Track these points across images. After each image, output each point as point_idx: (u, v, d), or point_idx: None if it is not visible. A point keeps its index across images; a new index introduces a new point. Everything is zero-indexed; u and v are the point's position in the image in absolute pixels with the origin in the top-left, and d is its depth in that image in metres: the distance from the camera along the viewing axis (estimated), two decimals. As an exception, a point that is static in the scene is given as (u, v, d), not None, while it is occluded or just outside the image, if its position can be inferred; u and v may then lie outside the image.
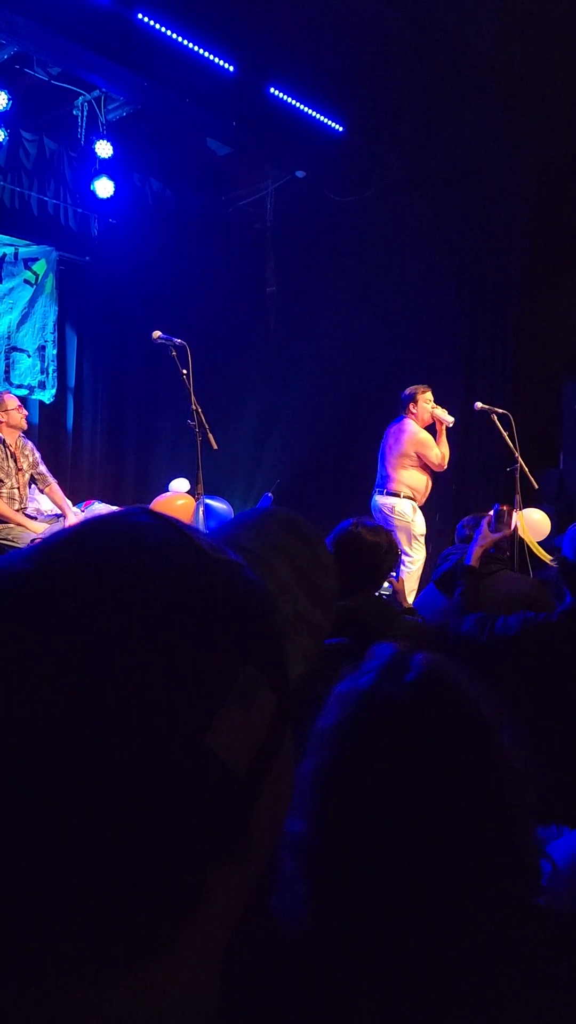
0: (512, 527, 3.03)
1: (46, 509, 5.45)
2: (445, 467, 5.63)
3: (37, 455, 5.39)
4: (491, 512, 2.86)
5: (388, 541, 2.59)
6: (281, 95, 6.17)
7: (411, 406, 5.65)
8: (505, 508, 2.89)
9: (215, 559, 0.43)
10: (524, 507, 5.66)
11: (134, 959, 0.38)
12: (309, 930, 0.75)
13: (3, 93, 5.78)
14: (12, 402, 5.24)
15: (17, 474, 5.20)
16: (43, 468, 5.40)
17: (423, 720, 0.77)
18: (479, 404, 5.61)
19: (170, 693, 0.38)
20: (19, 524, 5.03)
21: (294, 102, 6.26)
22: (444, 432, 5.64)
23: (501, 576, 2.90)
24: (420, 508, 5.60)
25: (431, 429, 5.67)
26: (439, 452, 5.57)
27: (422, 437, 5.55)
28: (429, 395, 5.66)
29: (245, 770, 0.40)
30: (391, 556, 2.60)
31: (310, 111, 6.38)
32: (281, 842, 0.73)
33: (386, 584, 3.38)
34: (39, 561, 0.40)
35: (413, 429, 5.56)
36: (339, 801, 0.76)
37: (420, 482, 5.55)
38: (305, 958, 0.74)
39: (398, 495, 5.53)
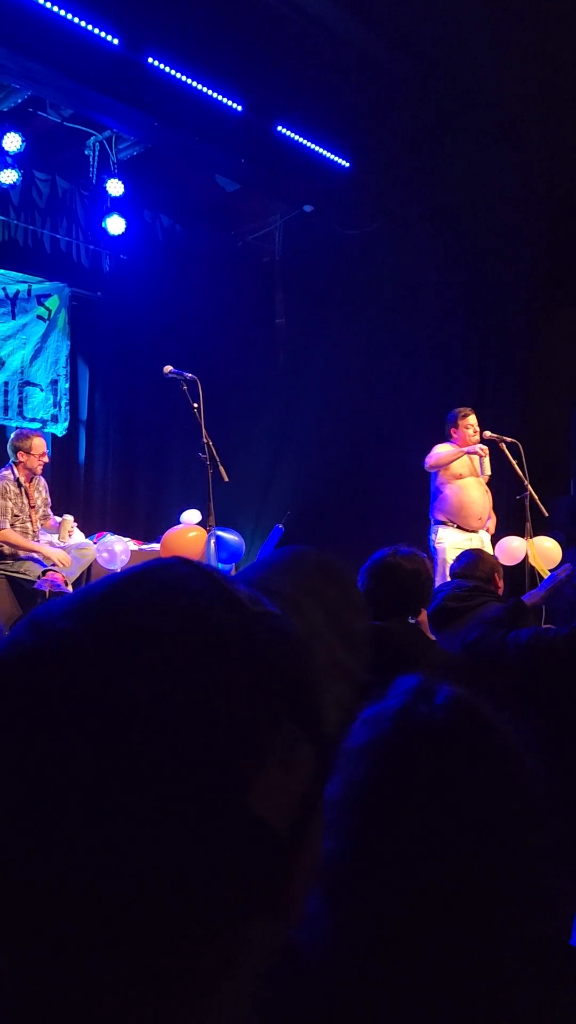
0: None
1: (58, 543, 5.48)
2: (432, 466, 5.48)
3: (47, 495, 5.44)
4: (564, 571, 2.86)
5: (425, 569, 2.61)
6: (288, 132, 6.28)
7: (451, 430, 5.59)
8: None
9: (254, 612, 0.43)
10: (534, 535, 5.66)
11: (172, 1015, 0.38)
12: (332, 962, 0.75)
13: (17, 135, 5.91)
14: (40, 447, 5.28)
15: (31, 511, 5.24)
16: (48, 510, 5.44)
17: (460, 739, 0.77)
18: (488, 433, 5.62)
19: (212, 755, 0.38)
20: (33, 550, 5.05)
21: (301, 139, 6.37)
22: (483, 460, 5.51)
23: (487, 607, 2.90)
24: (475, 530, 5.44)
25: (494, 449, 5.58)
26: (440, 453, 5.43)
27: (435, 451, 5.49)
28: (470, 419, 5.55)
29: (286, 828, 0.40)
30: (429, 583, 2.62)
31: (317, 147, 6.49)
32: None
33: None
34: (81, 619, 0.40)
35: (436, 448, 5.51)
36: (372, 819, 0.74)
37: (453, 503, 5.43)
38: (327, 991, 0.73)
39: (432, 522, 5.49)
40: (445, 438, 5.67)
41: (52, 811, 0.36)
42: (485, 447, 5.46)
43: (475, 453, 5.44)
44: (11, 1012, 0.38)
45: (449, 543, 5.32)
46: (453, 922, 0.71)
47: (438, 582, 5.28)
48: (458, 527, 5.41)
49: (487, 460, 5.54)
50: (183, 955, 0.37)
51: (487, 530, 5.56)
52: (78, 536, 5.51)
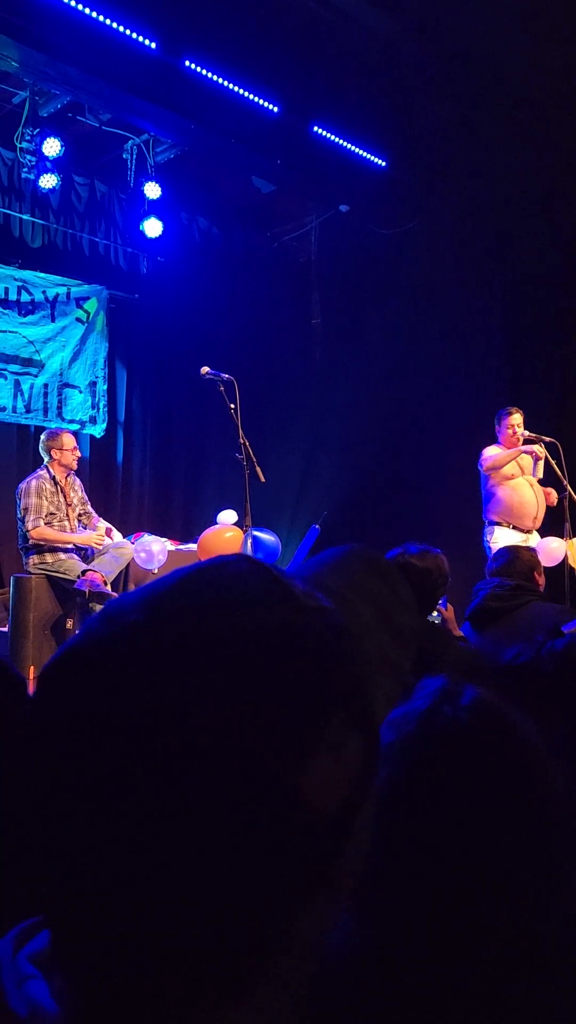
0: None
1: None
2: (488, 468, 5.43)
3: (83, 493, 5.50)
4: None
5: (437, 566, 2.59)
6: (324, 132, 6.28)
7: (498, 428, 5.56)
8: None
9: (309, 607, 0.46)
10: (574, 536, 5.58)
11: (227, 994, 0.40)
12: (357, 966, 0.75)
13: (57, 140, 5.99)
14: (70, 442, 5.36)
15: (67, 508, 5.31)
16: (89, 507, 5.51)
17: (486, 740, 0.76)
18: (527, 433, 5.57)
19: (269, 742, 0.40)
20: (69, 541, 5.12)
21: (337, 139, 6.36)
22: (536, 463, 5.45)
23: (531, 606, 2.87)
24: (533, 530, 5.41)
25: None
26: (494, 455, 5.39)
27: (485, 452, 5.46)
28: (512, 419, 5.50)
29: (336, 815, 0.41)
30: (441, 580, 2.60)
31: (353, 147, 6.47)
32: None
33: (435, 613, 3.35)
34: (150, 612, 0.43)
35: (484, 451, 5.48)
36: (395, 822, 0.73)
37: (507, 504, 5.39)
38: (353, 996, 0.73)
39: (487, 523, 5.46)
40: (491, 435, 5.63)
41: (122, 789, 0.38)
42: (543, 449, 5.40)
43: (531, 453, 5.38)
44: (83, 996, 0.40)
45: (506, 544, 5.30)
46: (476, 926, 0.71)
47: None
48: (514, 527, 5.37)
49: (541, 463, 5.48)
50: (236, 932, 0.39)
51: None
52: (116, 536, 5.57)
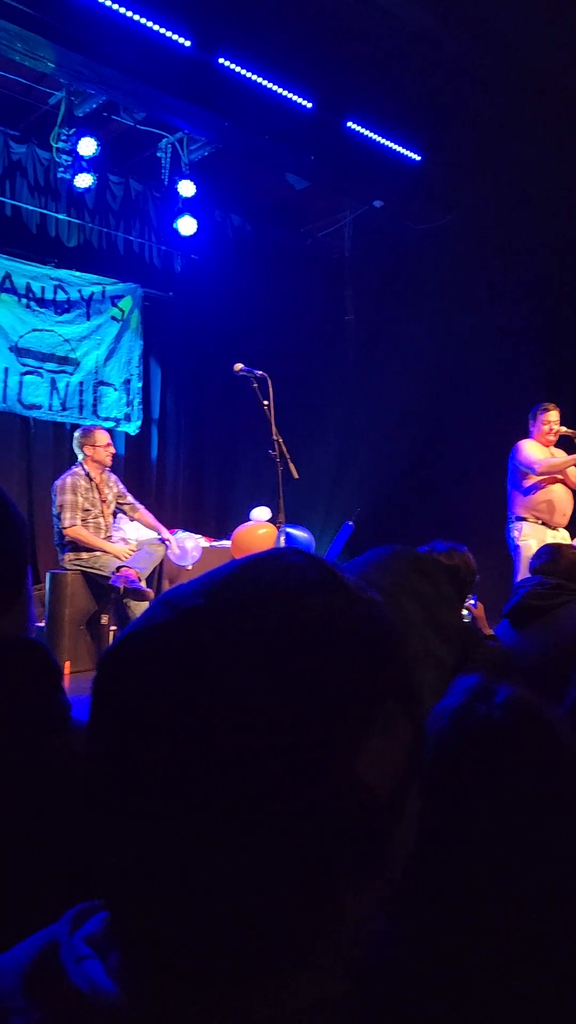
0: None
1: (131, 538, 5.58)
2: (544, 472, 5.35)
3: (121, 486, 5.55)
4: None
5: (464, 563, 2.57)
6: (358, 128, 6.25)
7: (532, 423, 5.49)
8: None
9: (361, 597, 0.47)
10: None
11: (276, 969, 0.41)
12: (394, 966, 0.74)
13: (92, 140, 6.04)
14: (103, 439, 5.41)
15: (102, 505, 5.35)
16: (130, 497, 5.55)
17: (520, 738, 0.76)
18: (563, 428, 5.50)
19: (323, 722, 0.41)
20: (102, 549, 5.17)
21: (371, 134, 6.33)
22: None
23: (569, 607, 2.82)
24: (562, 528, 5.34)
25: (569, 445, 5.46)
26: (536, 458, 5.33)
27: (523, 449, 5.39)
28: (549, 415, 5.42)
29: (388, 795, 0.43)
30: (469, 578, 2.58)
31: (387, 142, 6.44)
32: None
33: (465, 611, 3.32)
34: (209, 597, 0.44)
35: (520, 447, 5.41)
36: (427, 820, 0.74)
37: (542, 499, 5.31)
38: (388, 992, 0.73)
39: (513, 519, 5.39)
40: (525, 430, 5.56)
41: (182, 770, 0.40)
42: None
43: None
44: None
45: (536, 539, 5.23)
46: (511, 927, 0.70)
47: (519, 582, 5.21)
48: (543, 523, 5.30)
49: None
50: (290, 908, 0.40)
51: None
52: (165, 534, 5.61)
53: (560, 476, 5.37)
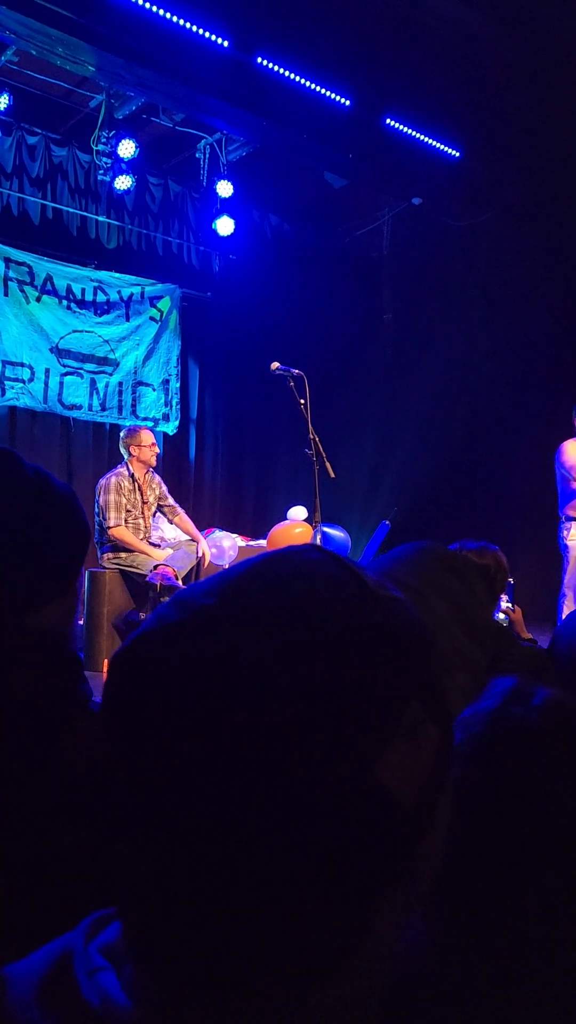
0: None
1: (169, 537, 5.62)
2: None
3: (164, 488, 5.58)
4: None
5: (496, 562, 2.53)
6: (397, 125, 6.21)
7: (574, 421, 5.41)
8: None
9: (381, 596, 0.45)
10: None
11: (303, 979, 0.40)
12: (429, 970, 0.73)
13: (132, 142, 6.09)
14: (148, 439, 5.44)
15: (143, 506, 5.39)
16: (171, 500, 5.58)
17: (557, 741, 0.74)
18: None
19: (344, 728, 0.39)
20: (143, 552, 5.21)
21: (410, 131, 6.29)
22: None
23: None
24: None
25: None
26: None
27: (564, 452, 5.31)
28: None
29: (413, 803, 0.41)
30: (500, 577, 2.54)
31: (426, 138, 6.39)
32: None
33: (503, 615, 3.27)
34: (221, 596, 0.43)
35: (563, 448, 5.33)
36: (463, 823, 0.73)
37: None
38: (424, 1001, 0.72)
39: (564, 519, 5.31)
40: (568, 430, 5.47)
41: (196, 773, 0.38)
42: None
43: None
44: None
45: None
46: (547, 932, 0.69)
47: (570, 583, 5.13)
48: None
49: None
50: (317, 919, 0.39)
51: None
52: (202, 544, 5.62)
53: None
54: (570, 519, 5.28)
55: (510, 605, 3.40)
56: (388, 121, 6.16)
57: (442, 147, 6.49)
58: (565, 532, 5.30)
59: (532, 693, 0.77)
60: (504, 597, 3.34)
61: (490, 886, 0.70)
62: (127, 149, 6.09)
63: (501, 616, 3.20)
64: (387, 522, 6.99)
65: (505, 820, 0.71)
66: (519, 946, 0.69)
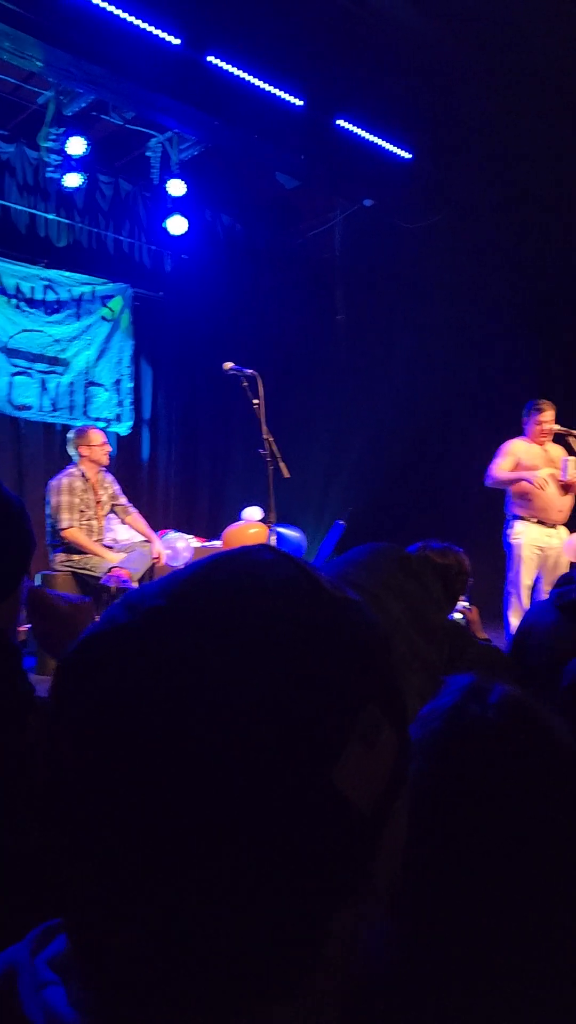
0: None
1: (122, 539, 5.56)
2: (494, 483, 5.31)
3: (116, 487, 5.52)
4: None
5: (458, 563, 2.53)
6: (348, 126, 6.24)
7: (525, 421, 5.47)
8: None
9: (336, 597, 0.44)
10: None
11: (258, 996, 0.38)
12: (393, 969, 0.73)
13: (82, 139, 6.01)
14: (98, 438, 5.37)
15: (96, 506, 5.32)
16: (123, 500, 5.52)
17: (513, 737, 0.75)
18: (556, 427, 5.50)
19: (296, 731, 0.38)
20: (96, 554, 5.14)
21: (361, 132, 6.32)
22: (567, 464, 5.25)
23: None
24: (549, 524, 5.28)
25: (563, 444, 5.44)
26: (499, 462, 5.30)
27: (497, 454, 5.38)
28: (543, 415, 5.34)
29: (369, 809, 0.40)
30: (461, 577, 2.54)
31: (377, 140, 6.43)
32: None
33: (460, 615, 3.30)
34: (171, 597, 0.42)
35: (499, 450, 5.40)
36: (422, 820, 0.72)
37: (531, 496, 5.22)
38: (390, 1000, 0.72)
39: (509, 517, 5.37)
40: (518, 429, 5.54)
41: (144, 779, 0.37)
42: (545, 480, 5.22)
43: (530, 482, 5.15)
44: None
45: (527, 539, 5.20)
46: (509, 927, 0.69)
47: (514, 580, 5.20)
48: (538, 521, 5.27)
49: (572, 461, 5.34)
50: (270, 933, 0.37)
51: None
52: (157, 544, 5.57)
53: (549, 469, 5.35)
54: (515, 517, 5.35)
55: (467, 605, 3.43)
56: (340, 122, 6.19)
57: (394, 149, 6.54)
58: (509, 531, 5.36)
59: (489, 690, 0.78)
60: (462, 597, 3.36)
61: (452, 882, 0.70)
62: (77, 146, 6.02)
63: (458, 616, 3.22)
64: (341, 522, 7.02)
65: (464, 815, 0.71)
66: (483, 941, 0.69)
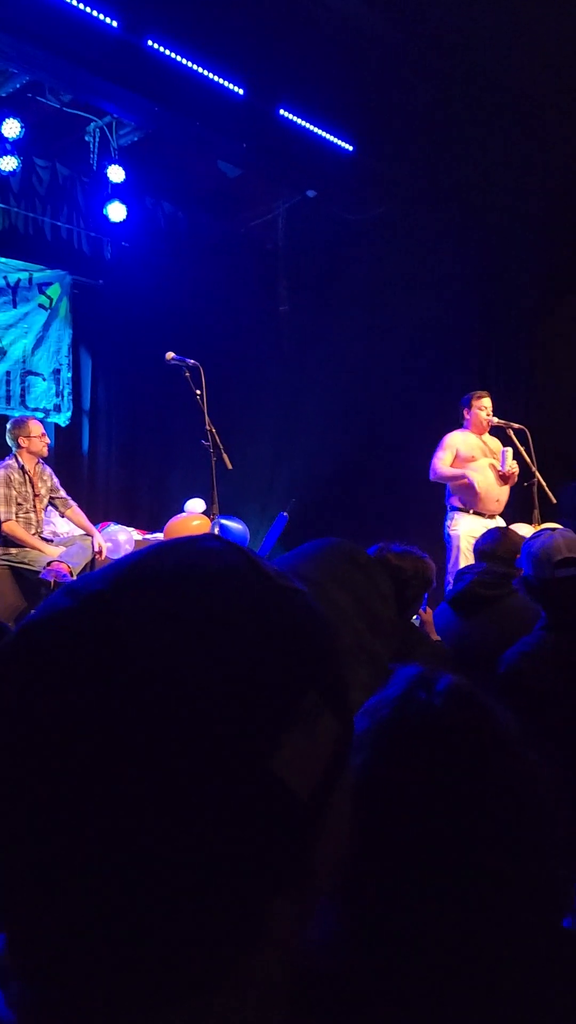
0: None
1: (61, 532, 5.46)
2: (438, 478, 5.40)
3: (55, 480, 5.41)
4: None
5: (415, 567, 2.52)
6: (291, 116, 6.21)
7: (464, 412, 5.51)
8: None
9: (280, 586, 0.44)
10: (542, 522, 5.61)
11: (196, 987, 0.38)
12: (340, 958, 0.72)
13: (16, 121, 5.85)
14: (37, 429, 5.26)
15: (34, 499, 5.21)
16: (63, 492, 5.41)
17: (460, 724, 0.76)
18: (496, 419, 5.58)
19: (236, 716, 0.38)
20: (35, 548, 5.03)
21: (304, 123, 6.30)
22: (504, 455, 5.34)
23: (514, 598, 2.83)
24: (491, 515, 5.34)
25: (502, 436, 5.50)
26: (441, 456, 5.36)
27: (438, 447, 5.43)
28: (484, 401, 5.43)
29: (308, 795, 0.40)
30: (416, 581, 2.53)
31: (320, 131, 6.41)
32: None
33: (414, 616, 3.31)
34: (113, 583, 0.41)
35: (440, 442, 5.45)
36: (371, 809, 0.71)
37: (469, 488, 5.28)
38: (339, 994, 0.71)
39: (448, 509, 5.42)
40: (459, 421, 5.60)
41: (80, 769, 0.36)
42: (487, 478, 5.30)
43: (472, 484, 5.22)
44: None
45: (465, 530, 5.26)
46: (459, 915, 0.69)
47: (452, 570, 5.25)
48: (476, 512, 5.34)
49: (510, 452, 5.43)
50: (205, 920, 0.37)
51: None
52: (97, 538, 5.48)
53: (488, 460, 5.43)
54: (454, 508, 5.42)
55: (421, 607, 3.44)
56: (282, 112, 6.15)
57: (336, 140, 6.53)
58: (449, 522, 5.43)
59: (436, 679, 0.79)
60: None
61: (398, 869, 0.70)
62: (11, 129, 5.86)
63: (414, 617, 3.23)
64: (285, 513, 7.01)
65: (411, 802, 0.71)
66: (431, 932, 0.69)
